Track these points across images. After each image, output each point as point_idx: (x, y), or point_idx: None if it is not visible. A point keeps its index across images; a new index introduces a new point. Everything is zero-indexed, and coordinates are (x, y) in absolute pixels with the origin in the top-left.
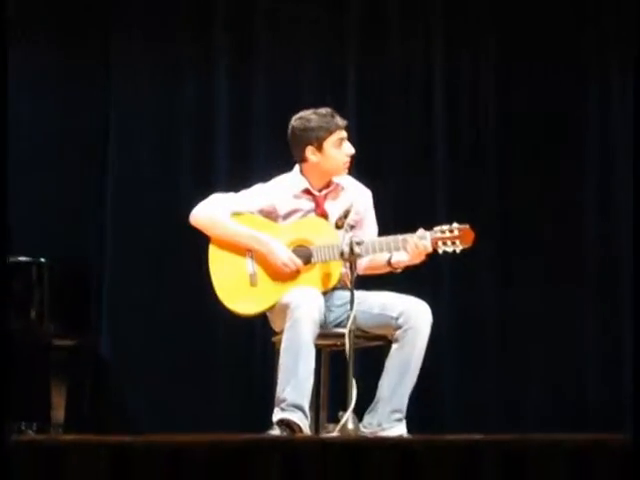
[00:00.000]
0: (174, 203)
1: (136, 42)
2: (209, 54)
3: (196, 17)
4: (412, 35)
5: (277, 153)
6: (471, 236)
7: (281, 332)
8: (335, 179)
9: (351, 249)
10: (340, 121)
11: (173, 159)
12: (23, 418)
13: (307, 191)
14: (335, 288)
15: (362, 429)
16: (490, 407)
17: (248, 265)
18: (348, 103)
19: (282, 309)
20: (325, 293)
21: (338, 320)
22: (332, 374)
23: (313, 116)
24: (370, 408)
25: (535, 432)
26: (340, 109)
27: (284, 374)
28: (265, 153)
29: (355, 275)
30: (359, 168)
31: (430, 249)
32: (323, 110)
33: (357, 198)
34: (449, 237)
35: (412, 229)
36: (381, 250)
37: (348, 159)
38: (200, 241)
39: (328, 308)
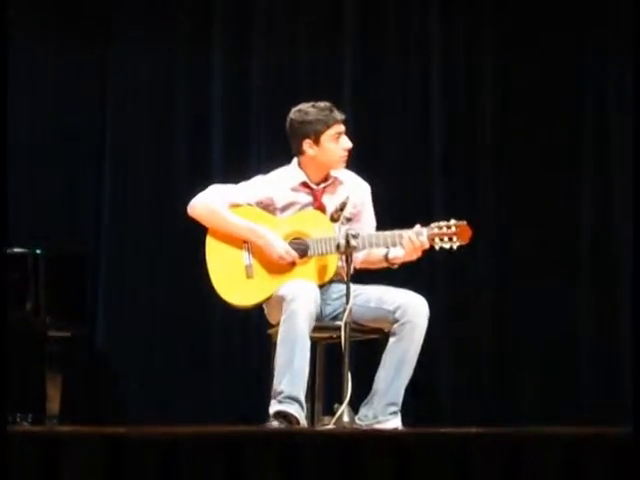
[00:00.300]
0: (171, 196)
1: (134, 39)
2: (206, 48)
3: (194, 12)
4: (410, 31)
5: (276, 146)
6: (468, 233)
7: (277, 324)
8: (333, 173)
9: (347, 242)
10: (338, 115)
11: (170, 152)
12: (18, 409)
13: (305, 184)
14: (332, 281)
15: (357, 421)
16: (485, 401)
17: (245, 257)
18: (345, 97)
19: (278, 301)
20: (321, 286)
21: (334, 313)
22: (328, 367)
23: (311, 109)
24: (366, 401)
25: (530, 425)
26: (337, 103)
27: (280, 367)
28: (263, 146)
29: (352, 268)
30: (357, 163)
31: (427, 245)
32: (322, 104)
33: (355, 191)
34: (446, 233)
35: (409, 225)
36: (377, 245)
37: (345, 153)
38: (197, 233)
39: (324, 301)
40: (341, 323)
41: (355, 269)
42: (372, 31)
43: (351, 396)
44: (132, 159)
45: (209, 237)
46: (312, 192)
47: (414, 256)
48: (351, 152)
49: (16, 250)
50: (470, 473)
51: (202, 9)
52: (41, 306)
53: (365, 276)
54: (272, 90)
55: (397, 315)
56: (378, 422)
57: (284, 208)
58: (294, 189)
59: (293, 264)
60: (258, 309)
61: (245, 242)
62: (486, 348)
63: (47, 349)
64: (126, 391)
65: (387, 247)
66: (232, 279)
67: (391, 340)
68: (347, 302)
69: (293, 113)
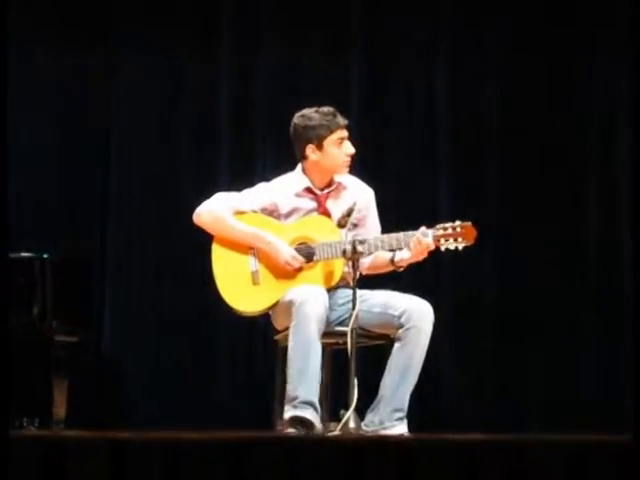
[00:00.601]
0: (177, 201)
1: (138, 42)
2: (211, 53)
3: (200, 15)
4: (415, 34)
5: (282, 154)
6: (473, 233)
7: (283, 330)
8: (337, 178)
9: (354, 248)
10: (341, 120)
11: (175, 158)
12: (25, 414)
13: (309, 190)
14: (337, 287)
15: (364, 427)
16: (490, 406)
17: (251, 263)
18: (351, 101)
19: (286, 307)
20: (328, 291)
21: (340, 319)
22: (333, 373)
23: (315, 114)
24: (372, 407)
25: (535, 431)
26: (343, 107)
27: (293, 372)
28: (269, 155)
29: (358, 274)
30: (362, 165)
31: (432, 246)
32: (325, 109)
33: (359, 197)
34: (451, 234)
35: (415, 227)
36: (383, 248)
37: (348, 158)
38: (203, 239)
39: (331, 307)
40: (347, 329)
41: (361, 275)
42: (378, 38)
43: (357, 402)
44: (138, 165)
45: (215, 244)
46: (316, 198)
47: (420, 257)
48: (354, 157)
49: (23, 254)
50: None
51: (208, 16)
52: (48, 311)
53: (370, 280)
54: (278, 98)
55: (402, 320)
56: (384, 428)
57: (288, 214)
58: (298, 195)
59: (299, 269)
60: (264, 315)
61: (251, 248)
62: (491, 352)
63: (53, 354)
64: (132, 396)
65: (393, 250)
66: (238, 286)
67: (396, 345)
68: (353, 308)
69: (296, 118)
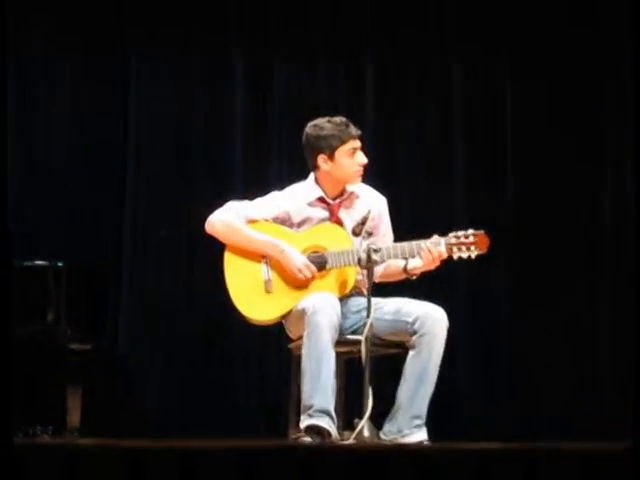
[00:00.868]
0: (191, 208)
1: (156, 59)
2: (225, 64)
3: (212, 27)
4: (430, 42)
5: (296, 164)
6: (486, 242)
7: (297, 339)
8: (349, 187)
9: (368, 256)
10: (354, 131)
11: (190, 165)
12: (39, 422)
13: (321, 199)
14: (350, 295)
15: (382, 437)
16: (506, 414)
17: (263, 272)
18: (366, 108)
19: (299, 315)
20: (340, 299)
21: (354, 327)
22: (347, 381)
23: (327, 124)
24: (390, 416)
25: (551, 440)
26: (358, 114)
27: (308, 380)
28: (281, 161)
29: (372, 283)
30: (376, 174)
31: (445, 255)
32: (338, 119)
33: (372, 205)
34: (464, 243)
35: (428, 236)
36: (396, 256)
37: (360, 169)
38: (217, 246)
39: (344, 315)
40: (361, 337)
41: (374, 283)
42: (392, 48)
43: (371, 411)
44: (153, 172)
45: (227, 252)
46: (328, 207)
47: (433, 266)
48: (367, 167)
49: (37, 263)
50: None
51: (221, 28)
52: (62, 319)
53: (383, 288)
54: (292, 108)
55: (416, 327)
56: (403, 436)
57: (301, 223)
58: (310, 204)
59: (312, 278)
60: (277, 323)
61: (263, 257)
62: (506, 359)
63: (67, 361)
64: (146, 403)
65: (406, 258)
66: (251, 294)
67: (411, 353)
68: (368, 316)
69: (309, 127)
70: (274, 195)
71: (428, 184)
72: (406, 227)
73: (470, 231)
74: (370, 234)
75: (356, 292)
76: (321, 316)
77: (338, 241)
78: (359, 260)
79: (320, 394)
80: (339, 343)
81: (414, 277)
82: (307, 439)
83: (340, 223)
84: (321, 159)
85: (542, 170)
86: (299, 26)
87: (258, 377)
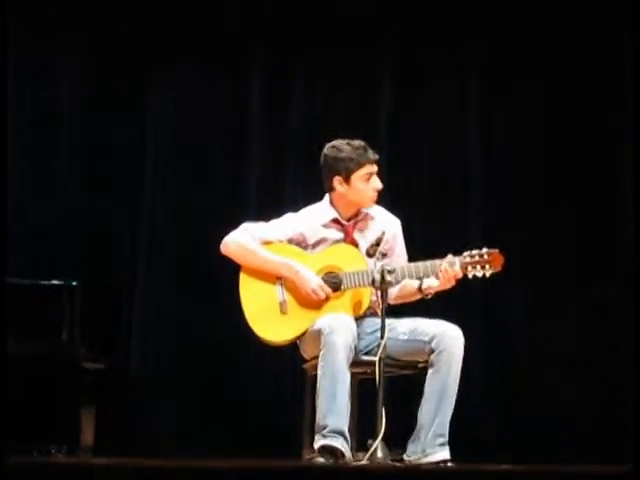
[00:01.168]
0: (205, 227)
1: (174, 79)
2: (243, 83)
3: (234, 51)
4: (446, 66)
5: (308, 184)
6: (500, 260)
7: (312, 359)
8: (364, 209)
9: (382, 277)
10: (372, 155)
11: (206, 184)
12: (53, 441)
13: (336, 220)
14: (365, 315)
15: (405, 458)
16: (519, 434)
17: (278, 293)
18: (382, 129)
19: (314, 336)
20: (355, 320)
21: (368, 348)
22: (361, 402)
23: (346, 147)
24: (412, 437)
25: (566, 462)
26: (373, 136)
27: (322, 401)
28: (297, 182)
29: (386, 304)
30: (390, 195)
31: (460, 274)
32: (357, 142)
33: (387, 227)
34: (479, 261)
35: (442, 256)
36: (411, 276)
37: (375, 193)
38: (231, 264)
39: (359, 336)
40: (375, 358)
41: (389, 305)
42: (408, 67)
43: (385, 432)
44: (169, 192)
45: (242, 274)
46: (343, 228)
47: (448, 285)
48: (382, 191)
49: (52, 282)
50: None
51: (241, 49)
52: (76, 338)
53: (397, 308)
54: (308, 131)
55: (433, 345)
56: (426, 455)
57: (315, 244)
58: (325, 225)
59: (327, 298)
60: (292, 344)
61: (278, 278)
62: (522, 379)
63: (81, 380)
64: (159, 423)
65: (421, 278)
66: (266, 315)
67: (429, 372)
68: (382, 337)
69: (327, 149)
70: (289, 217)
71: (442, 205)
72: (419, 247)
73: (484, 250)
74: (384, 255)
75: (371, 313)
76: (337, 336)
77: (353, 261)
78: (373, 281)
79: (335, 415)
80: (353, 364)
81: (429, 297)
82: (321, 459)
83: (355, 244)
84: (337, 181)
85: (558, 189)
86: (319, 47)
87: (272, 397)
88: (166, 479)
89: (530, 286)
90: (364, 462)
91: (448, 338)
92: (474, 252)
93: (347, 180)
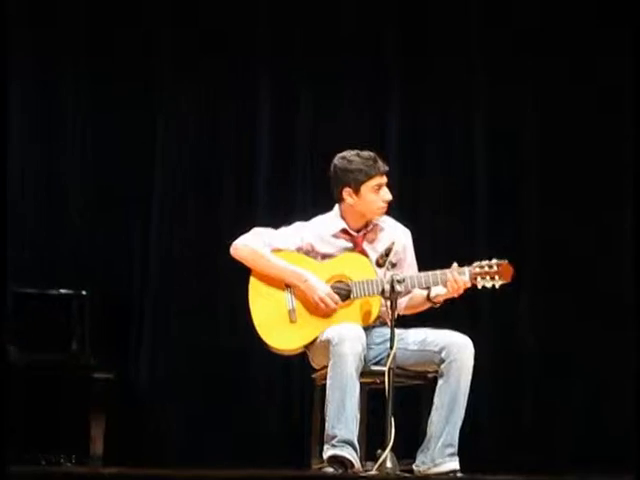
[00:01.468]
0: (216, 238)
1: (182, 92)
2: (252, 90)
3: (240, 54)
4: (453, 77)
5: (318, 190)
6: (510, 271)
7: (321, 369)
8: (373, 220)
9: (392, 287)
10: (382, 166)
11: (215, 194)
12: (62, 450)
13: (345, 231)
14: (374, 325)
15: (415, 468)
16: (528, 443)
17: (287, 301)
18: (392, 138)
19: (323, 345)
20: (364, 329)
21: (377, 358)
22: (370, 412)
23: (356, 158)
24: (422, 447)
25: (574, 471)
26: (382, 145)
27: (332, 411)
28: (305, 191)
29: (396, 314)
30: (400, 206)
31: (469, 284)
32: (366, 153)
33: (396, 238)
34: (488, 272)
35: (451, 266)
36: (420, 286)
37: (384, 205)
38: (241, 276)
39: (368, 345)
40: (384, 368)
41: (399, 315)
42: (416, 76)
43: (394, 442)
44: (178, 204)
45: (252, 280)
46: (352, 239)
47: (456, 294)
48: (391, 203)
49: (61, 292)
50: None
51: (249, 55)
52: (86, 347)
53: (406, 318)
54: (316, 143)
55: (443, 355)
56: (436, 465)
57: (325, 255)
58: (335, 236)
59: (335, 308)
60: (300, 353)
61: (288, 286)
62: (530, 389)
63: (91, 390)
64: (169, 432)
65: (429, 287)
66: (275, 323)
67: (440, 382)
68: (391, 347)
69: (337, 159)
70: (298, 226)
71: (452, 215)
72: (429, 257)
73: (494, 261)
74: (394, 265)
75: (380, 323)
76: (346, 346)
77: (363, 271)
78: (383, 291)
79: (344, 424)
80: (363, 374)
81: (438, 304)
82: (330, 469)
83: (364, 255)
84: (346, 192)
85: (566, 201)
86: (326, 60)
87: (281, 406)
88: None
89: (537, 294)
90: (373, 472)
91: (457, 348)
92: (484, 262)
93: (356, 191)
